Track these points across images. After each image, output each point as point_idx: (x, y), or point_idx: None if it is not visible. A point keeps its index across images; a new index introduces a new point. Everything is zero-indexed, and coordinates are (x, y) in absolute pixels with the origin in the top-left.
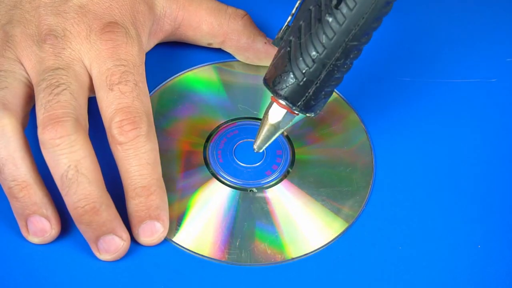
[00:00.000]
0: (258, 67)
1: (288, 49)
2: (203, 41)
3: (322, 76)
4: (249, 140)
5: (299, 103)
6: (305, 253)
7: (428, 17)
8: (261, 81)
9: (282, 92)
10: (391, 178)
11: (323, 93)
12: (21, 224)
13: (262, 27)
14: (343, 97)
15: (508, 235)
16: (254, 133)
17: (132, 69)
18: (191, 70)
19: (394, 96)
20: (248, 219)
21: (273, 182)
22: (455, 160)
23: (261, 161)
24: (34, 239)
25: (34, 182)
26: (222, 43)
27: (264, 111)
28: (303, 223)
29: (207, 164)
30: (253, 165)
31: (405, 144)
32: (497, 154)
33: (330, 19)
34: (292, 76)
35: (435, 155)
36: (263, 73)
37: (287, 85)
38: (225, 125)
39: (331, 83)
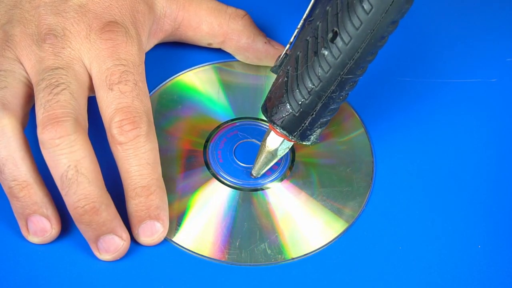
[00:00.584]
0: (258, 67)
1: (286, 79)
2: (203, 41)
3: (318, 107)
4: (249, 140)
5: (295, 133)
6: (305, 253)
7: (428, 17)
8: (261, 81)
9: (279, 122)
10: (391, 178)
11: (319, 123)
12: (21, 224)
13: (262, 27)
14: None
15: (508, 235)
16: (254, 133)
17: (132, 68)
18: (191, 70)
19: (394, 96)
20: (248, 219)
21: (273, 182)
22: (455, 160)
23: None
24: (34, 239)
25: (34, 182)
26: (222, 43)
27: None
28: (303, 223)
29: (207, 164)
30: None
31: (405, 144)
32: (497, 154)
33: (325, 53)
34: (288, 107)
35: (435, 155)
36: (263, 73)
37: (284, 115)
38: (225, 125)
39: (326, 114)
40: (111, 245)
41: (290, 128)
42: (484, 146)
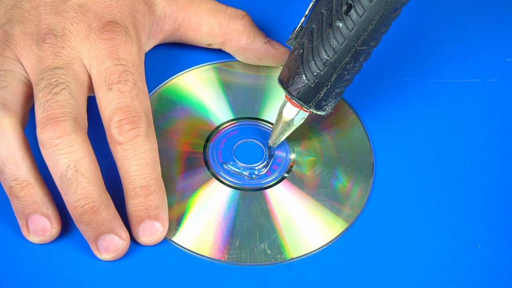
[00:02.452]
0: (258, 67)
1: (301, 51)
2: (203, 42)
3: (333, 78)
4: (249, 140)
5: (311, 103)
6: (305, 253)
7: (428, 17)
8: (261, 81)
9: (295, 93)
10: (391, 178)
11: (333, 94)
12: (21, 223)
13: (262, 27)
14: (343, 97)
15: (508, 235)
16: (254, 133)
17: (131, 68)
18: (191, 70)
19: (394, 96)
20: (248, 219)
21: (273, 182)
22: (455, 160)
23: (261, 161)
24: (34, 239)
25: (34, 181)
26: (222, 43)
27: (278, 109)
28: (303, 223)
29: (207, 164)
30: (253, 165)
31: (405, 144)
32: (497, 154)
33: (340, 25)
34: (304, 78)
35: (435, 155)
36: (263, 73)
37: (300, 86)
38: (225, 125)
39: (341, 84)
40: (111, 245)
41: (306, 98)
42: (484, 146)
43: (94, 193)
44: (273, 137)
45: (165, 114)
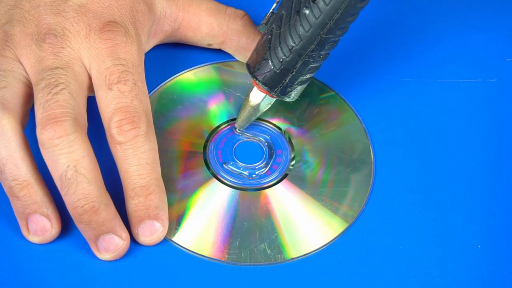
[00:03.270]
0: None
1: (269, 37)
2: (203, 42)
3: (298, 65)
4: (249, 140)
5: (276, 89)
6: (305, 253)
7: (428, 17)
8: None
9: (261, 78)
10: (391, 178)
11: (299, 80)
12: (21, 223)
13: None
14: (343, 97)
15: (508, 235)
16: (254, 133)
17: (131, 68)
18: (191, 70)
19: (394, 96)
20: (248, 219)
21: (273, 182)
22: (455, 160)
23: (261, 161)
24: (34, 239)
25: (34, 181)
26: (222, 43)
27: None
28: (303, 223)
29: (207, 164)
30: (253, 165)
31: (405, 144)
32: (497, 154)
33: (307, 12)
34: (270, 63)
35: (435, 155)
36: None
37: (266, 71)
38: (225, 125)
39: (306, 72)
40: (111, 245)
41: (272, 84)
42: (484, 146)
43: (94, 193)
44: (239, 120)
45: (165, 114)
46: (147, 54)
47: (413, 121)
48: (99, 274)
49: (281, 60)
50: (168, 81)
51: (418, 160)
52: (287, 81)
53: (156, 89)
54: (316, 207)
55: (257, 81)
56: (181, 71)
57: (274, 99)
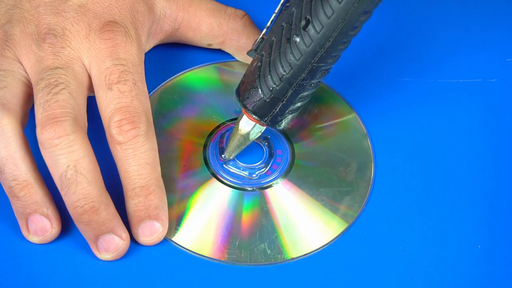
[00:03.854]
0: None
1: (259, 64)
2: (203, 42)
3: (289, 94)
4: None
5: (266, 118)
6: (305, 253)
7: (428, 17)
8: None
9: (250, 107)
10: (391, 178)
11: (289, 109)
12: (21, 223)
13: (261, 27)
14: (343, 97)
15: (508, 235)
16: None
17: (131, 68)
18: (191, 70)
19: (394, 96)
20: (248, 219)
21: (273, 182)
22: (455, 160)
23: (261, 161)
24: (34, 239)
25: (34, 181)
26: (222, 43)
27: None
28: (303, 223)
29: (207, 164)
30: (253, 165)
31: (405, 144)
32: (497, 154)
33: (297, 40)
34: (260, 92)
35: (435, 155)
36: None
37: (255, 100)
38: (225, 124)
39: (297, 100)
40: (111, 245)
41: (261, 113)
42: (484, 146)
43: (94, 193)
44: (229, 149)
45: (165, 114)
46: (147, 54)
47: (413, 121)
48: (99, 274)
49: (271, 88)
50: (168, 81)
51: (418, 160)
52: (277, 110)
53: (156, 89)
54: (316, 207)
55: (246, 109)
56: (181, 71)
57: (264, 127)
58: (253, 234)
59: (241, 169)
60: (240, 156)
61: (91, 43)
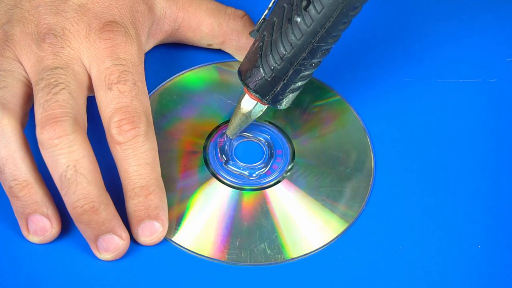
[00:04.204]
0: None
1: (261, 44)
2: (203, 42)
3: (290, 73)
4: (249, 139)
5: (267, 97)
6: (305, 253)
7: (428, 17)
8: None
9: (252, 86)
10: (391, 178)
11: (290, 88)
12: (21, 223)
13: None
14: (343, 97)
15: (508, 235)
16: (254, 132)
17: (131, 68)
18: (191, 70)
19: (394, 96)
20: (248, 219)
21: (273, 182)
22: (455, 160)
23: (261, 161)
24: (34, 238)
25: (34, 181)
26: (222, 43)
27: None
28: (303, 223)
29: (207, 164)
30: (253, 165)
31: (405, 144)
32: (497, 154)
33: (298, 20)
34: (262, 71)
35: (435, 155)
36: None
37: (257, 79)
38: (225, 124)
39: (298, 80)
40: (111, 245)
41: (263, 92)
42: (484, 146)
43: (94, 193)
44: (231, 128)
45: (165, 114)
46: (147, 54)
47: (413, 121)
48: (99, 274)
49: (272, 68)
50: (168, 81)
51: (418, 160)
52: (278, 89)
53: (156, 89)
54: (316, 207)
55: (248, 88)
56: (181, 71)
57: (266, 106)
58: (253, 234)
59: (241, 169)
60: (240, 156)
61: (91, 43)
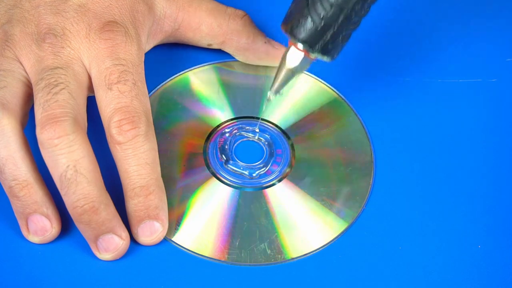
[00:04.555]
0: (258, 67)
1: None
2: (203, 42)
3: (340, 20)
4: (249, 139)
5: (316, 47)
6: (305, 253)
7: (428, 17)
8: (261, 81)
9: (300, 36)
10: (391, 178)
11: (340, 37)
12: (21, 223)
13: (262, 27)
14: (343, 97)
15: (508, 235)
16: (254, 132)
17: (131, 68)
18: (191, 70)
19: (394, 96)
20: (248, 219)
21: (273, 182)
22: (455, 160)
23: (261, 161)
24: (34, 238)
25: (34, 181)
26: (222, 43)
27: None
28: (303, 223)
29: (207, 163)
30: (253, 165)
31: (405, 143)
32: (497, 154)
33: None
34: (310, 20)
35: (435, 155)
36: (263, 73)
37: (305, 29)
38: (225, 124)
39: (348, 27)
40: (111, 245)
41: (311, 42)
42: (484, 146)
43: (94, 193)
44: (276, 85)
45: (166, 114)
46: (147, 54)
47: (413, 121)
48: (99, 274)
49: (321, 15)
50: (168, 81)
51: (418, 160)
52: (328, 37)
53: (156, 89)
54: (316, 207)
55: (295, 39)
56: (181, 71)
57: (312, 60)
58: (253, 234)
59: (241, 168)
60: (240, 156)
61: (91, 43)
